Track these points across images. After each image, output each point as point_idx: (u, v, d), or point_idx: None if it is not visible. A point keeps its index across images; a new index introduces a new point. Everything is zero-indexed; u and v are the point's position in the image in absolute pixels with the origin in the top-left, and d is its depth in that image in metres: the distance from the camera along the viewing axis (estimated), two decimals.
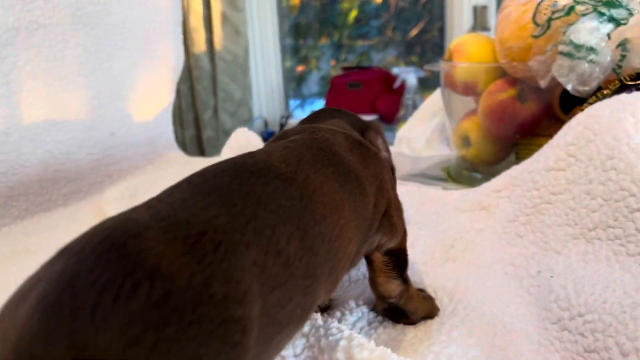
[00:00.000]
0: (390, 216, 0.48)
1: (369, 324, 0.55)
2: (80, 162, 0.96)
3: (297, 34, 2.90)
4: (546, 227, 0.60)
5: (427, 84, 2.36)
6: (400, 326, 0.54)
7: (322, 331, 0.41)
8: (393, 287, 0.52)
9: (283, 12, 2.76)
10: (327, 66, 2.97)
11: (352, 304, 0.57)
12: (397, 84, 2.30)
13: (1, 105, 0.84)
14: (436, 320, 0.53)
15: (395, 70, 2.41)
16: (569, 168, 0.60)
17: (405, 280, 0.52)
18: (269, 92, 2.83)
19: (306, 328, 0.41)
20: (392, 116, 2.37)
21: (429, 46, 2.56)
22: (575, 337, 0.45)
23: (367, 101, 2.38)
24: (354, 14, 2.79)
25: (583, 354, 0.44)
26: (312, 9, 2.84)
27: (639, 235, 0.49)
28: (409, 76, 2.25)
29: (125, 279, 0.22)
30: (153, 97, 1.13)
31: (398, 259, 0.51)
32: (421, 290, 0.57)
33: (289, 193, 0.33)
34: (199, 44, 2.42)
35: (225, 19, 2.37)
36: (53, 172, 0.91)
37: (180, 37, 1.17)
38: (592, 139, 0.58)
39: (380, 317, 0.55)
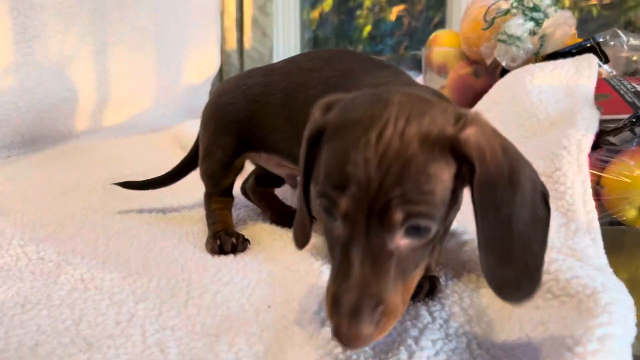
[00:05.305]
0: None
1: None
2: None
3: (316, 46, 3.21)
4: None
5: None
6: None
7: None
8: None
9: (304, 24, 3.11)
10: None
11: None
12: None
13: (96, 72, 1.28)
14: None
15: None
16: (496, 108, 0.93)
17: None
18: None
19: None
20: None
21: None
22: None
23: None
24: (368, 29, 3.13)
25: None
26: (330, 23, 3.16)
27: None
28: None
29: None
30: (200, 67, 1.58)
31: None
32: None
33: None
34: (231, 43, 2.79)
35: (255, 21, 2.74)
36: None
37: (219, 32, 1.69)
38: (506, 89, 0.91)
39: None
